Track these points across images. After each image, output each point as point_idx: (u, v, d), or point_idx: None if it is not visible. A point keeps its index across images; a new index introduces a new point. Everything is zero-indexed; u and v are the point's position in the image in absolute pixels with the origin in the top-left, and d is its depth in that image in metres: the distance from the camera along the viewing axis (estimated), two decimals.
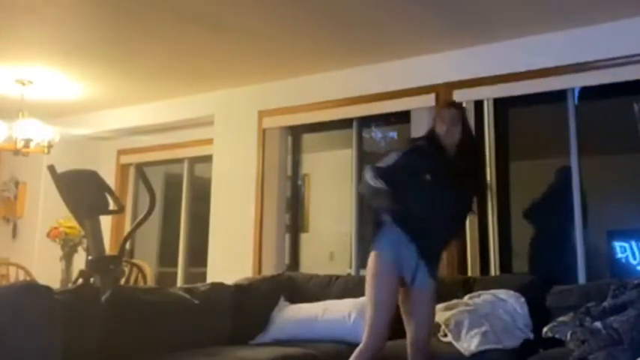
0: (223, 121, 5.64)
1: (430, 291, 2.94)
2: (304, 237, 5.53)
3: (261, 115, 5.37)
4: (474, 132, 3.24)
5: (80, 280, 3.83)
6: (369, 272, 2.91)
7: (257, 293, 4.12)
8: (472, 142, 3.15)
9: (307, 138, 5.55)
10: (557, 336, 3.13)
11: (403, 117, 4.59)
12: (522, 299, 3.54)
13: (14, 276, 5.14)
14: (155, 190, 4.03)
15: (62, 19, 4.13)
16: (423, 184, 2.90)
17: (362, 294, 3.09)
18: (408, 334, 2.96)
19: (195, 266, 6.00)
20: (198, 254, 5.83)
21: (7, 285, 4.30)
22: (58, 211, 4.59)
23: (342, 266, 5.17)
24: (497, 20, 4.09)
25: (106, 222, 5.14)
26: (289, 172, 5.45)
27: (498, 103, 4.45)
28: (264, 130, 5.34)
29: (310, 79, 5.11)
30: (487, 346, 3.17)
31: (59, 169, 3.77)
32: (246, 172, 5.35)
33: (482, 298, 3.60)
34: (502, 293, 3.60)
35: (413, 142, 3.25)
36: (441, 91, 4.56)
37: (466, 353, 3.16)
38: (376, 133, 5.41)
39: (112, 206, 4.03)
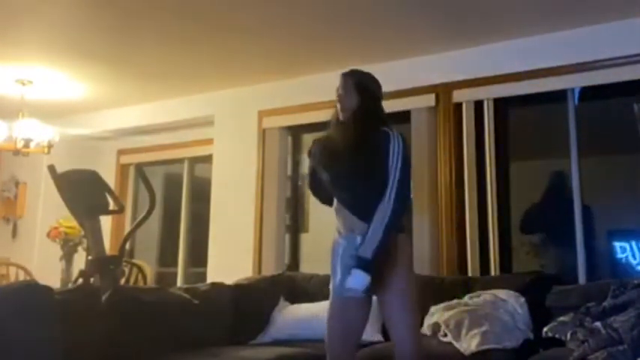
0: (223, 121, 5.64)
1: (398, 278, 2.58)
2: (304, 237, 5.53)
3: (261, 115, 5.36)
4: (378, 101, 2.80)
5: (80, 280, 3.84)
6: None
7: (257, 293, 4.13)
8: (373, 110, 2.76)
9: (307, 138, 5.54)
10: (557, 336, 3.13)
11: (403, 117, 4.58)
12: (522, 299, 3.54)
13: (14, 276, 5.14)
14: (155, 190, 4.04)
15: (62, 19, 4.13)
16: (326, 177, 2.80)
17: None
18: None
19: (195, 266, 6.00)
20: (198, 254, 5.83)
21: (7, 285, 4.30)
22: (58, 211, 4.60)
23: None
24: (498, 20, 4.09)
25: (106, 222, 5.15)
26: (289, 172, 5.45)
27: (498, 103, 4.44)
28: (264, 130, 5.34)
29: (310, 79, 5.10)
30: (487, 346, 3.17)
31: (59, 169, 3.78)
32: (246, 172, 5.35)
33: (483, 298, 3.60)
34: (502, 293, 3.60)
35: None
36: (440, 91, 4.57)
37: (466, 353, 3.16)
38: None
39: (112, 206, 4.04)
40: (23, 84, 5.35)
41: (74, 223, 4.40)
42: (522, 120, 4.73)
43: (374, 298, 2.71)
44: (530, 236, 5.48)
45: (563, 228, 4.22)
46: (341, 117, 2.78)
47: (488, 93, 4.42)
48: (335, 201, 2.78)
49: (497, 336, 3.25)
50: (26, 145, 5.34)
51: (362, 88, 2.78)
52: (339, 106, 2.79)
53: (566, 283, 3.80)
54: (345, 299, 2.65)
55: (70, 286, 4.14)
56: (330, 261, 2.77)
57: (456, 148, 4.45)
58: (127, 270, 4.83)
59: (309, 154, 2.92)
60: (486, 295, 3.60)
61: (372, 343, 3.43)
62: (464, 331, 3.29)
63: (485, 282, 3.87)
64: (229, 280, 4.19)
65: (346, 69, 2.92)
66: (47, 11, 3.99)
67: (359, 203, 2.65)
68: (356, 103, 2.75)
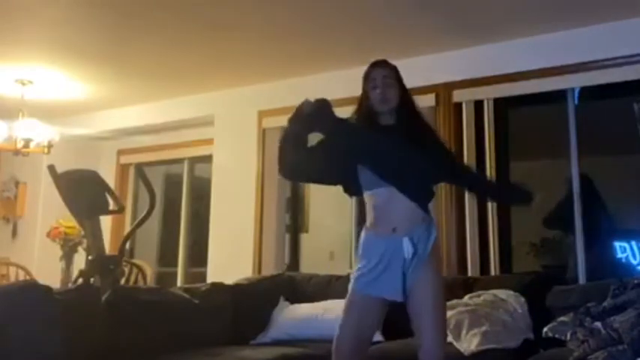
0: (223, 121, 5.64)
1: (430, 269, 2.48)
2: (304, 237, 5.54)
3: (261, 115, 5.37)
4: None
5: (80, 280, 3.84)
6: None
7: (257, 293, 4.12)
8: (412, 102, 2.69)
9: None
10: (557, 336, 3.13)
11: None
12: (522, 299, 3.54)
13: (14, 276, 5.14)
14: (155, 190, 4.04)
15: (62, 19, 4.13)
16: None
17: None
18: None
19: (195, 266, 6.00)
20: (198, 254, 5.83)
21: (7, 285, 4.30)
22: (58, 211, 4.60)
23: (342, 266, 5.16)
24: (497, 20, 4.09)
25: (106, 222, 5.15)
26: None
27: (498, 103, 4.44)
28: (264, 130, 5.34)
29: (310, 79, 5.10)
30: (487, 346, 3.17)
31: (59, 169, 3.78)
32: (246, 172, 5.35)
33: (483, 298, 3.60)
34: (502, 293, 3.59)
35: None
36: (440, 91, 4.57)
37: (466, 353, 3.16)
38: None
39: (112, 206, 4.04)
40: (23, 84, 5.35)
41: (74, 223, 4.40)
42: (522, 120, 4.73)
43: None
44: (530, 236, 5.49)
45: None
46: (379, 107, 2.61)
47: (488, 93, 4.42)
48: (374, 192, 2.54)
49: (497, 336, 3.24)
50: (26, 145, 5.34)
51: (402, 83, 2.67)
52: (380, 94, 2.59)
53: (567, 283, 3.80)
54: (368, 300, 2.52)
55: (70, 286, 4.14)
56: (360, 254, 2.57)
57: (456, 148, 4.44)
58: (127, 270, 4.83)
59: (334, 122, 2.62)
60: (486, 295, 3.60)
61: (372, 343, 3.42)
62: (464, 331, 3.29)
63: (485, 282, 3.87)
64: (229, 280, 4.19)
65: (346, 69, 2.88)
66: (47, 11, 3.99)
67: (421, 189, 2.54)
68: (400, 96, 2.62)
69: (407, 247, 2.46)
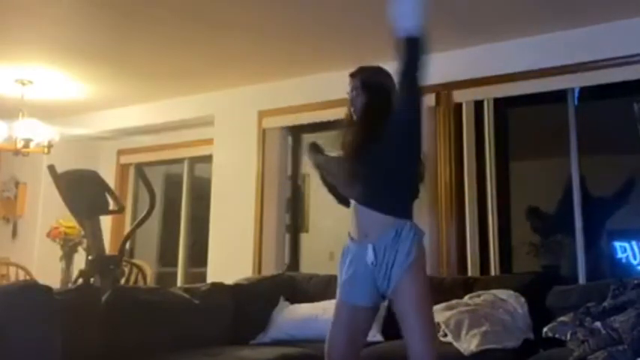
0: (223, 121, 5.64)
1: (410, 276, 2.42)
2: (304, 237, 5.53)
3: (261, 115, 5.36)
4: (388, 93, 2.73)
5: (80, 280, 3.85)
6: None
7: (257, 293, 4.13)
8: (374, 103, 2.67)
9: (307, 138, 5.54)
10: (557, 336, 3.13)
11: None
12: (522, 299, 3.54)
13: (14, 276, 5.14)
14: (155, 190, 4.05)
15: (62, 19, 4.13)
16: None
17: None
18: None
19: (195, 266, 6.00)
20: (198, 254, 5.83)
21: (7, 285, 4.30)
22: (58, 211, 4.61)
23: None
24: (498, 20, 4.09)
25: (106, 222, 5.15)
26: (289, 172, 5.45)
27: (498, 103, 4.44)
28: (264, 130, 5.34)
29: (310, 79, 5.10)
30: (487, 346, 3.17)
31: (59, 169, 3.79)
32: (246, 172, 5.35)
33: (483, 298, 3.60)
34: (502, 293, 3.60)
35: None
36: (440, 91, 4.56)
37: (466, 353, 3.16)
38: None
39: (112, 206, 4.05)
40: (23, 84, 5.35)
41: (74, 223, 4.41)
42: (522, 120, 4.73)
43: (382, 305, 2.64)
44: (530, 236, 5.48)
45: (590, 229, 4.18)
46: (354, 118, 2.71)
47: (488, 93, 4.42)
48: (352, 201, 2.63)
49: (497, 336, 3.25)
50: (26, 145, 5.34)
51: (370, 86, 2.69)
52: (351, 108, 2.71)
53: (566, 283, 3.80)
54: (354, 309, 2.55)
55: (70, 286, 4.15)
56: (340, 260, 2.68)
57: (456, 148, 4.45)
58: (127, 270, 4.83)
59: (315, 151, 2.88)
60: (486, 295, 3.60)
61: (372, 344, 3.43)
62: (464, 331, 3.29)
63: (485, 282, 3.87)
64: (229, 280, 4.19)
65: (346, 69, 2.89)
66: (47, 11, 3.99)
67: (378, 194, 2.53)
68: (365, 103, 2.66)
69: (369, 253, 2.49)
